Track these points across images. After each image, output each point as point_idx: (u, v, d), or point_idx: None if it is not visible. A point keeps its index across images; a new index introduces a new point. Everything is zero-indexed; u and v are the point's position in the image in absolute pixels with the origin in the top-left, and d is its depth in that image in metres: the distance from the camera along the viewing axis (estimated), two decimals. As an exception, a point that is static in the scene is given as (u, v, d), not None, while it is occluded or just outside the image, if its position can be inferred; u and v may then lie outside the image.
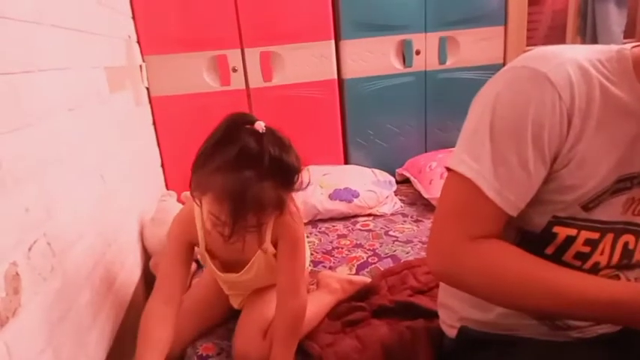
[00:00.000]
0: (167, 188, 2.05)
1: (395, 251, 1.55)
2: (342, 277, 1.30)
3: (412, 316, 1.11)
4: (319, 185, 1.93)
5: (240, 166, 0.80)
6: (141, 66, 1.92)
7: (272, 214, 0.88)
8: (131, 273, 1.41)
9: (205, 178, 0.84)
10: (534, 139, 0.60)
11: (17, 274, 0.73)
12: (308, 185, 0.92)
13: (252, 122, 0.85)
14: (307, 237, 1.64)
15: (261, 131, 0.84)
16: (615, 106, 0.61)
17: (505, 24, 2.30)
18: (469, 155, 0.64)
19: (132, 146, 1.63)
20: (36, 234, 0.82)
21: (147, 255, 1.57)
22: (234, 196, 0.80)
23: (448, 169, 0.67)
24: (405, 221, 1.82)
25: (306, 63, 2.12)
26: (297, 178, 0.87)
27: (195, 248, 1.06)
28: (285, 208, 0.89)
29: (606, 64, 0.62)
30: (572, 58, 0.61)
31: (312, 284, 1.32)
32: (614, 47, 0.64)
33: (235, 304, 1.18)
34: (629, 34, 2.26)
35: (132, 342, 1.28)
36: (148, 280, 1.51)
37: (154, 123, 2.03)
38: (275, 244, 1.02)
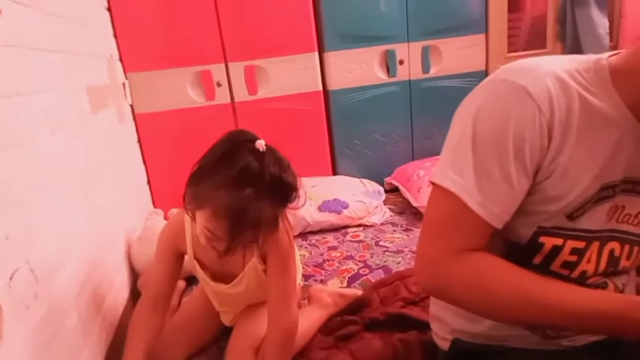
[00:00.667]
0: (154, 206, 2.03)
1: (386, 262, 1.55)
2: (334, 290, 1.30)
3: (405, 328, 1.10)
4: (308, 197, 1.91)
5: (242, 184, 0.82)
6: (124, 84, 1.90)
7: (267, 232, 0.90)
8: (119, 293, 1.39)
9: (204, 193, 0.85)
10: (516, 152, 0.61)
11: (-2, 304, 0.71)
12: (304, 204, 0.93)
13: (253, 140, 0.86)
14: (298, 250, 1.65)
15: (262, 150, 0.85)
16: (595, 117, 0.61)
17: (486, 32, 2.33)
18: (452, 169, 0.64)
19: (117, 165, 1.61)
20: (17, 261, 0.80)
21: (134, 274, 1.55)
22: (233, 213, 0.82)
23: (432, 184, 0.68)
24: (394, 230, 1.83)
25: (291, 75, 2.13)
26: (294, 197, 0.88)
27: (185, 257, 1.05)
28: (278, 225, 0.90)
29: (585, 74, 0.63)
30: (550, 71, 0.62)
31: (304, 299, 1.31)
32: (591, 57, 0.65)
33: (227, 321, 1.17)
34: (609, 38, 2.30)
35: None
36: (136, 299, 1.48)
37: (139, 140, 2.01)
38: (264, 260, 1.01)
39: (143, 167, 2.01)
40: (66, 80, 1.23)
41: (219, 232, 0.84)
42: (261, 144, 0.86)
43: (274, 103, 2.13)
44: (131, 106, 1.98)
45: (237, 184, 0.81)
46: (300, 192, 0.89)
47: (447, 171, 0.65)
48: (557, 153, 0.61)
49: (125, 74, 1.93)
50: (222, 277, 1.06)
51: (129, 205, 1.68)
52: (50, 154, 1.04)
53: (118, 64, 1.88)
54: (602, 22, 2.24)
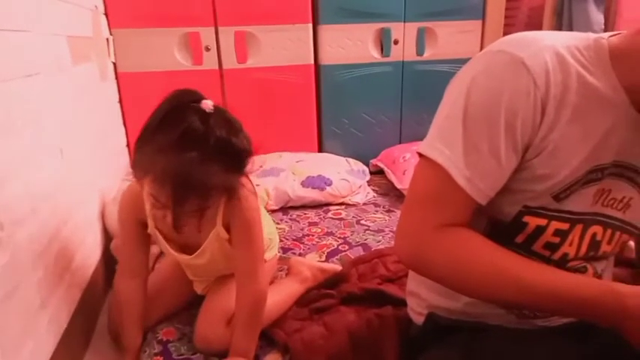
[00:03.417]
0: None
1: (366, 240, 1.55)
2: (314, 264, 1.29)
3: (380, 304, 1.10)
4: (292, 172, 1.90)
5: (184, 147, 0.76)
6: (108, 39, 1.83)
7: (218, 199, 0.87)
8: (90, 253, 1.35)
9: (146, 158, 0.80)
10: (507, 127, 0.60)
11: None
12: (258, 170, 0.89)
13: (199, 100, 0.81)
14: (278, 224, 1.65)
15: (207, 110, 0.80)
16: (591, 96, 0.61)
17: (483, 18, 2.32)
18: (441, 141, 0.64)
19: (95, 122, 1.56)
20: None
21: (108, 236, 1.51)
22: (175, 178, 0.77)
23: (420, 155, 0.67)
24: (377, 211, 1.82)
25: (282, 46, 2.08)
26: (248, 162, 0.84)
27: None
28: (234, 193, 0.86)
29: (584, 52, 0.62)
30: (550, 45, 0.61)
31: (282, 271, 1.30)
32: (592, 36, 0.64)
33: (199, 289, 1.15)
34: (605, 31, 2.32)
35: (89, 325, 1.25)
36: (108, 261, 1.46)
37: (120, 100, 1.95)
38: (228, 230, 0.98)
39: (123, 129, 1.96)
40: (46, 24, 1.17)
41: (162, 198, 0.80)
42: (207, 104, 0.80)
43: (263, 73, 2.09)
44: (114, 63, 1.91)
45: (179, 147, 0.76)
46: (256, 158, 0.86)
47: (435, 142, 0.65)
48: (549, 130, 0.61)
49: (110, 29, 1.85)
50: (186, 247, 1.02)
51: (105, 165, 1.64)
52: (24, 98, 0.99)
53: (103, 18, 1.80)
54: (597, 18, 2.24)
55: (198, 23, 1.95)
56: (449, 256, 0.64)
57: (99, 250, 1.44)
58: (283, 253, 1.44)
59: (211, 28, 1.97)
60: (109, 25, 1.85)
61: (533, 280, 0.61)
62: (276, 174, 1.88)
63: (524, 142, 0.61)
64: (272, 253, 1.21)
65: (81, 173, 1.33)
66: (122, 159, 1.90)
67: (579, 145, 0.62)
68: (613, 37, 0.63)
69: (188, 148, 0.76)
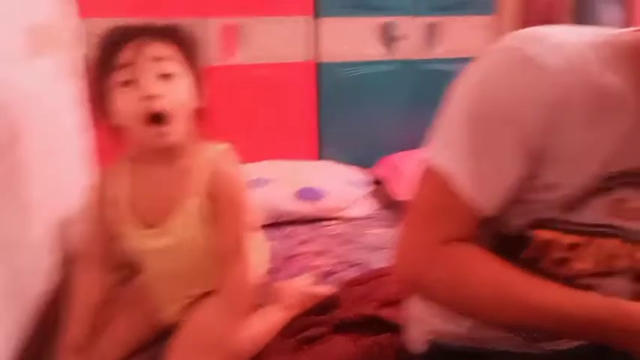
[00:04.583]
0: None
1: (364, 259, 1.54)
2: (302, 288, 1.28)
3: (378, 332, 1.10)
4: (284, 183, 1.89)
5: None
6: (77, 29, 1.80)
7: (174, 57, 0.97)
8: (45, 275, 1.31)
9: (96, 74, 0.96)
10: (515, 132, 0.61)
11: None
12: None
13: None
14: (267, 240, 1.60)
15: None
16: (608, 97, 0.60)
17: (497, 13, 2.33)
18: (444, 148, 0.65)
19: (54, 125, 1.52)
20: None
21: (67, 256, 1.45)
22: (111, 33, 0.97)
23: (422, 164, 0.68)
24: (377, 225, 1.82)
25: (279, 41, 2.06)
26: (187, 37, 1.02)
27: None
28: (194, 55, 1.02)
29: (603, 48, 0.62)
30: (564, 41, 0.61)
31: (267, 297, 1.25)
32: (612, 31, 0.64)
33: (169, 314, 1.11)
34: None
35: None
36: (65, 283, 1.41)
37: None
38: (209, 203, 1.02)
39: (89, 133, 1.90)
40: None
41: (128, 74, 0.93)
42: None
43: (256, 70, 2.07)
44: (85, 57, 1.87)
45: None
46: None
47: (438, 150, 0.66)
48: (561, 135, 0.61)
49: (80, 18, 1.82)
50: (154, 223, 1.04)
51: (66, 174, 1.61)
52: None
53: (73, 6, 1.78)
54: (617, 13, 2.25)
55: (180, 13, 1.91)
56: (451, 275, 0.65)
57: (56, 271, 1.38)
58: (273, 275, 1.41)
59: (195, 20, 1.93)
60: (79, 12, 1.82)
61: (540, 301, 0.62)
62: (266, 185, 1.87)
63: (533, 147, 0.61)
64: (256, 275, 1.18)
65: (35, 184, 1.29)
66: (86, 167, 1.83)
67: (593, 152, 0.62)
68: (637, 33, 0.62)
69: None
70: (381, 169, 2.19)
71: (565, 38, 0.61)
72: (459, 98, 0.65)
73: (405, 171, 2.00)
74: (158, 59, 0.94)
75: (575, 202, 0.64)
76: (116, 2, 1.86)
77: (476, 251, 0.66)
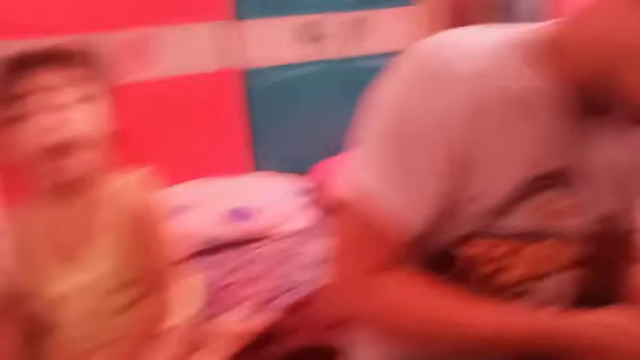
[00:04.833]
0: None
1: (304, 279, 1.50)
2: (232, 327, 1.23)
3: (327, 358, 1.05)
4: (213, 204, 1.82)
5: None
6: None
7: (72, 83, 0.96)
8: None
9: None
10: (435, 149, 0.62)
11: None
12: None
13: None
14: (196, 273, 1.51)
15: None
16: (524, 102, 0.63)
17: (420, 3, 2.35)
18: (364, 170, 0.66)
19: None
20: None
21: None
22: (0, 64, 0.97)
23: (343, 186, 0.69)
24: (315, 238, 1.76)
25: (195, 49, 1.98)
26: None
27: None
28: (97, 76, 1.01)
29: (520, 49, 0.63)
30: (480, 45, 0.63)
31: (197, 342, 1.18)
32: (527, 27, 0.66)
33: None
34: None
35: None
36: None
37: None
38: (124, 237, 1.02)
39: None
40: None
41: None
42: None
43: (173, 84, 1.96)
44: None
45: None
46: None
47: (359, 172, 0.67)
48: (481, 145, 0.62)
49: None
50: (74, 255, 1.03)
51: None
52: None
53: None
54: (537, 6, 2.34)
55: (72, 30, 1.73)
56: (384, 310, 0.68)
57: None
58: (202, 313, 1.31)
59: (91, 36, 1.74)
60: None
61: (478, 330, 0.65)
62: (193, 209, 1.78)
63: (457, 160, 0.62)
64: (178, 320, 1.12)
65: None
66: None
67: (514, 156, 0.64)
68: (551, 27, 0.64)
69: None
70: (317, 174, 2.16)
71: (482, 40, 0.64)
72: (378, 115, 0.66)
73: (342, 174, 1.95)
74: (52, 89, 0.95)
75: (502, 211, 0.66)
76: (11, 22, 1.68)
77: (406, 280, 0.67)
